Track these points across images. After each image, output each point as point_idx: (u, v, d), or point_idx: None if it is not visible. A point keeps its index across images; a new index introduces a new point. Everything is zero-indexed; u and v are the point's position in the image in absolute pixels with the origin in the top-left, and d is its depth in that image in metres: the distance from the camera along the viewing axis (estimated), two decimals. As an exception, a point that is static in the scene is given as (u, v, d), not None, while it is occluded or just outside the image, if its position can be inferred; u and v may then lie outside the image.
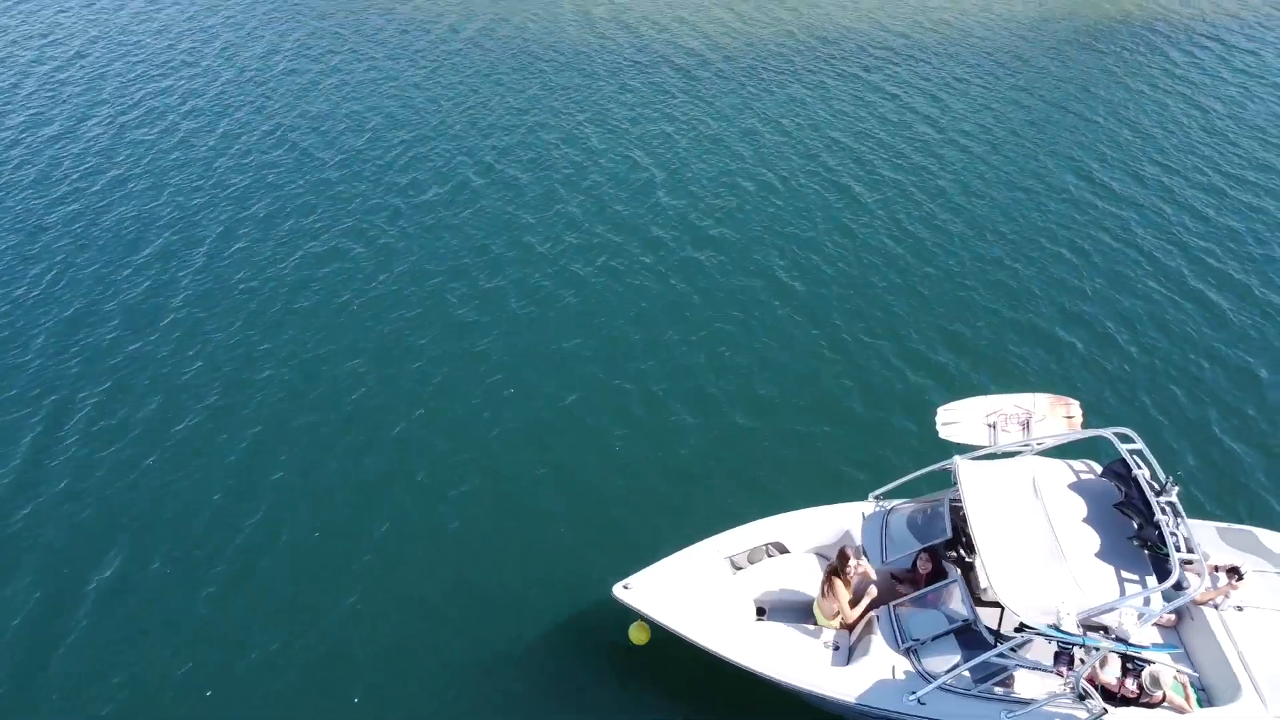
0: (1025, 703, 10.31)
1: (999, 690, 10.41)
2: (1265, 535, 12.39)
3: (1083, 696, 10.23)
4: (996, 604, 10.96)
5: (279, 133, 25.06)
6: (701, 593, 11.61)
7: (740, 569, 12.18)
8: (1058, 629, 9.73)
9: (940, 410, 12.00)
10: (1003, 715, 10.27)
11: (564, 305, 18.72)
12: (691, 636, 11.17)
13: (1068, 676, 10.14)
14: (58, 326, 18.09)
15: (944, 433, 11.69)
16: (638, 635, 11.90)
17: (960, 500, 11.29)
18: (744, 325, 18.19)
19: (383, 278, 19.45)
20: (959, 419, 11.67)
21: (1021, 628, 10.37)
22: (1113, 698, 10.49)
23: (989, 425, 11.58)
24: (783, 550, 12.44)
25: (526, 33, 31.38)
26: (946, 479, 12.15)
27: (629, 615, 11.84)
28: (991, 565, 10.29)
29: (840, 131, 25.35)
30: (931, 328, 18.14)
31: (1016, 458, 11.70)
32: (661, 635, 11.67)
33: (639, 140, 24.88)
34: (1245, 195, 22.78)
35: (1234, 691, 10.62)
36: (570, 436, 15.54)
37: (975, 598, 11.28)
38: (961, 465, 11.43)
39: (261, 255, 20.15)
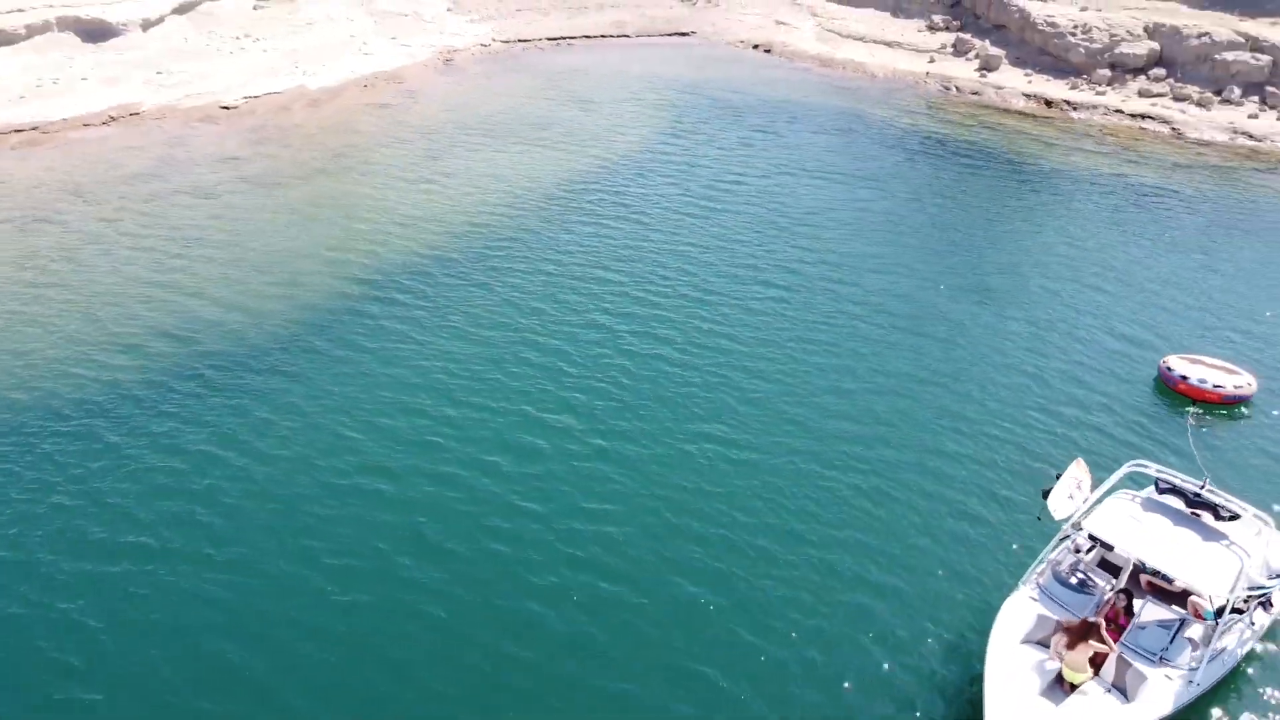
0: (1227, 650, 14.29)
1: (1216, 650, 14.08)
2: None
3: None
4: (1181, 601, 14.72)
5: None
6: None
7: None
8: (1261, 588, 14.06)
9: (1049, 500, 15.04)
10: (1229, 660, 14.28)
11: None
12: None
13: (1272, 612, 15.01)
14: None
15: (1054, 514, 14.86)
16: None
17: (1087, 547, 15.63)
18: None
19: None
20: (1056, 503, 14.95)
21: (1220, 611, 13.86)
22: None
23: (1069, 496, 15.04)
24: None
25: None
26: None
27: None
28: (1179, 573, 14.24)
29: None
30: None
31: (1105, 501, 15.67)
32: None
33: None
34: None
35: None
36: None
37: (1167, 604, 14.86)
38: (1089, 523, 15.12)
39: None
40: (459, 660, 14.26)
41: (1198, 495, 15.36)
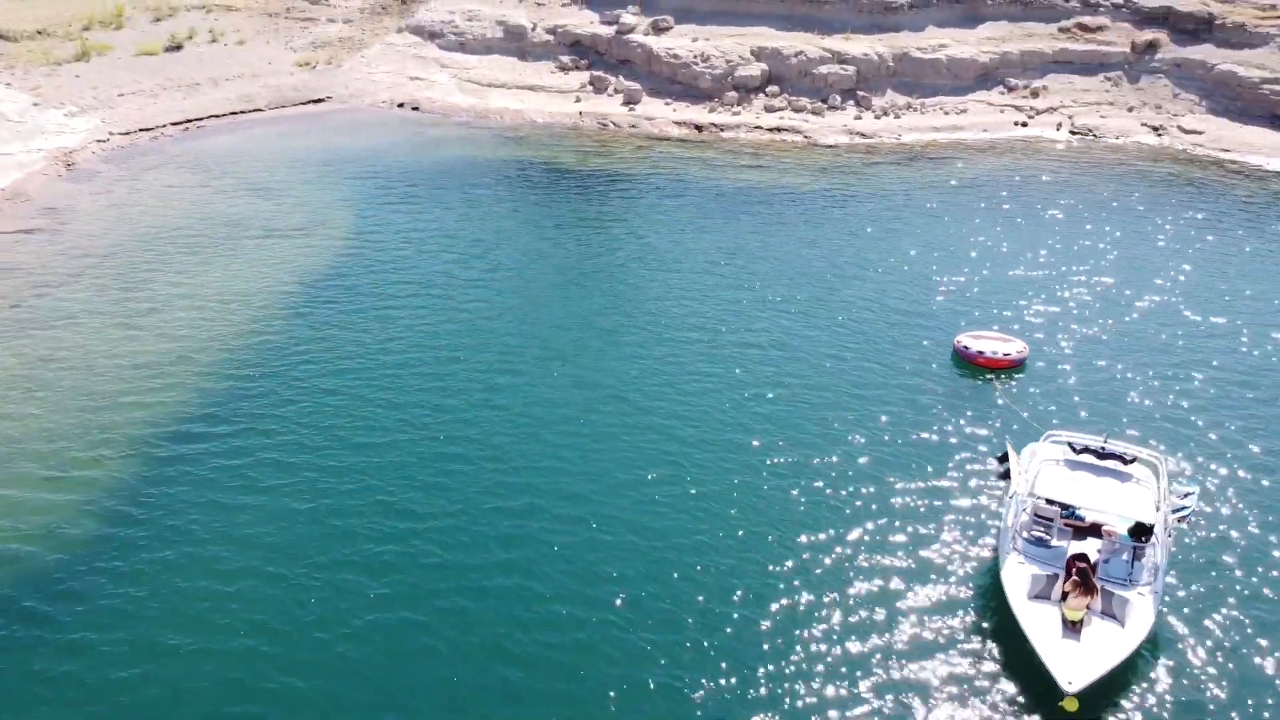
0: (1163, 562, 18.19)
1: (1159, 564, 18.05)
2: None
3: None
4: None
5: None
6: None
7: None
8: (1183, 507, 18.66)
9: (1011, 482, 19.34)
10: (1165, 568, 18.25)
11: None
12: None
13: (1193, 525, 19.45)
14: None
15: (1018, 490, 18.98)
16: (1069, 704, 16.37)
17: (1043, 509, 18.85)
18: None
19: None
20: (1017, 483, 19.09)
21: (1146, 531, 17.98)
22: None
23: (1020, 474, 19.39)
24: None
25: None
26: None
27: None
28: (1116, 511, 18.32)
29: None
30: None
31: (1041, 470, 19.58)
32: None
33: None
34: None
35: None
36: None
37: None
38: (1040, 490, 18.82)
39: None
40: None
41: (1104, 449, 19.42)
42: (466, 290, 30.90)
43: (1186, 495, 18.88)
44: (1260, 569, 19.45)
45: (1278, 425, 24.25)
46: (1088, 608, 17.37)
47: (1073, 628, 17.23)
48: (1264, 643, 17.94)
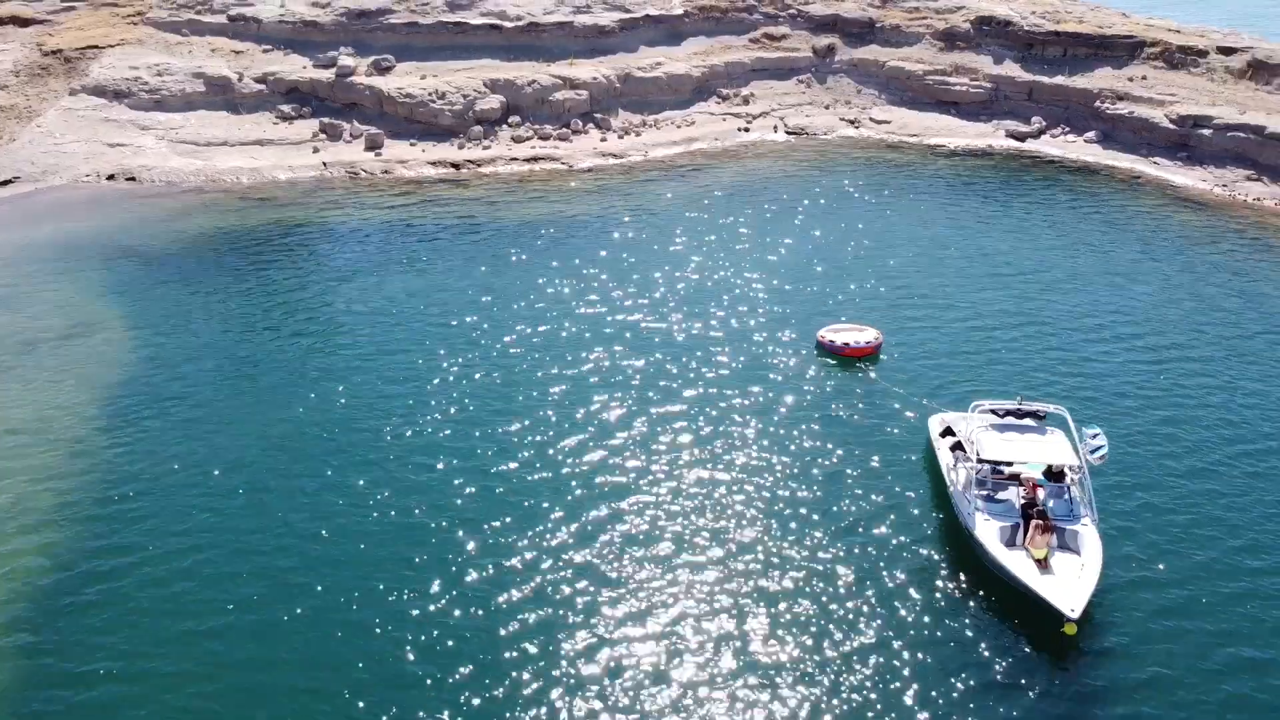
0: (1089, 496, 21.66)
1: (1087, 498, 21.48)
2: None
3: None
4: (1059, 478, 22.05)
5: None
6: None
7: None
8: (1100, 446, 21.89)
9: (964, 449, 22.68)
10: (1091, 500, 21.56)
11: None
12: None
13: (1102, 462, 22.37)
14: None
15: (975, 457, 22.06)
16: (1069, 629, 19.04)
17: (988, 470, 22.03)
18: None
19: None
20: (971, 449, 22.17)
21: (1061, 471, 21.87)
22: None
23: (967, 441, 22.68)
24: None
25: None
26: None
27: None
28: (1044, 461, 21.80)
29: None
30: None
31: (978, 436, 22.58)
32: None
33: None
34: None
35: None
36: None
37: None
38: (983, 454, 21.98)
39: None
40: None
41: (1020, 409, 22.56)
42: (300, 371, 28.75)
43: (1095, 435, 22.52)
44: (1159, 487, 23.73)
45: (1089, 363, 29.34)
46: (1049, 545, 20.34)
47: (1043, 565, 20.09)
48: (1189, 544, 22.01)
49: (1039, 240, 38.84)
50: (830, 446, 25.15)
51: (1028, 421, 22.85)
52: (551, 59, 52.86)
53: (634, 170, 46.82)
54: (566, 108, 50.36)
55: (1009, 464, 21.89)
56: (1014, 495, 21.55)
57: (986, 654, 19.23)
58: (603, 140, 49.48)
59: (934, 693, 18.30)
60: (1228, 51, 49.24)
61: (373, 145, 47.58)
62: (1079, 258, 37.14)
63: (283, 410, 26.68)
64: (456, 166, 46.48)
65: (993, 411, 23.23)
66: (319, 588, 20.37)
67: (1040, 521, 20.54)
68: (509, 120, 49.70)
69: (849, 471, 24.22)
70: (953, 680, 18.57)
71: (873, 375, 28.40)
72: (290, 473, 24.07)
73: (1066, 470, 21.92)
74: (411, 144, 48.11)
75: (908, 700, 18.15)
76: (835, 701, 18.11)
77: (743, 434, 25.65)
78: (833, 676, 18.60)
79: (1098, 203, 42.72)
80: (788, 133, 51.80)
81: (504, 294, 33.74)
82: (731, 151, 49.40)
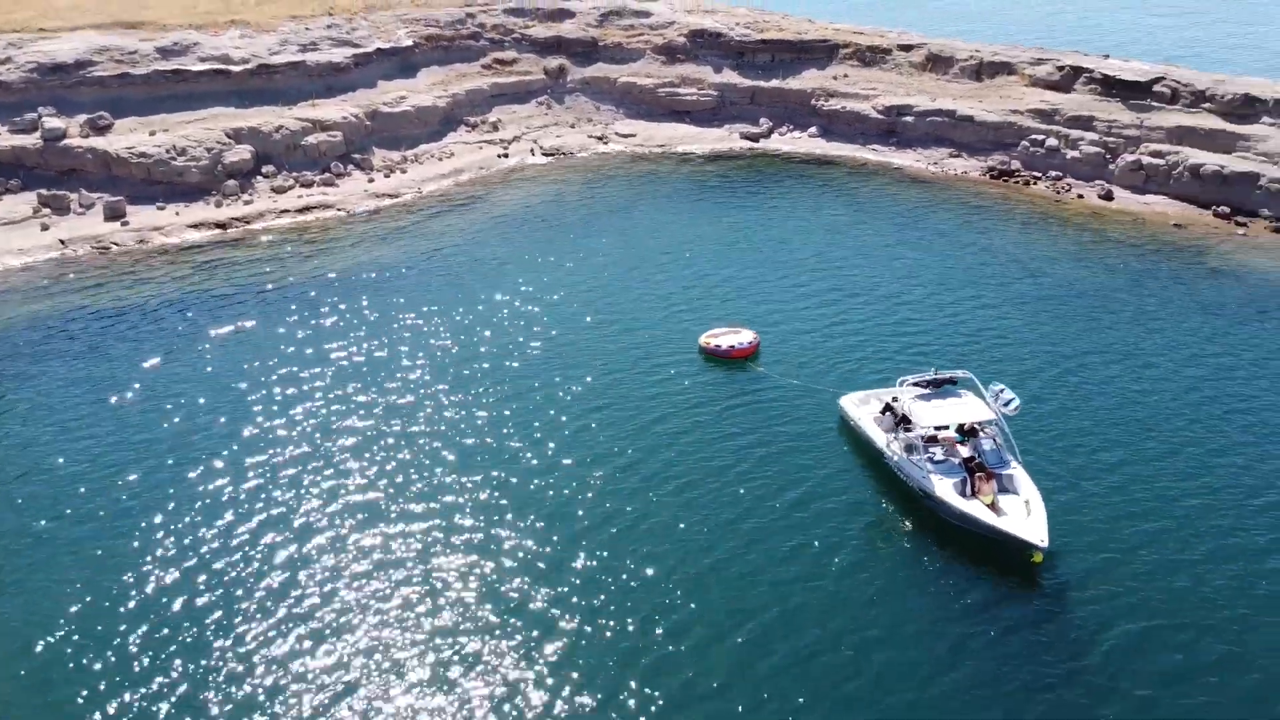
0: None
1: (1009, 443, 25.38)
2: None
3: None
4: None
5: None
6: None
7: None
8: (1011, 399, 25.30)
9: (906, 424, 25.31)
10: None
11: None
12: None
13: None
14: None
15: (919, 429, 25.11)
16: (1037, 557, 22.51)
17: (927, 436, 25.32)
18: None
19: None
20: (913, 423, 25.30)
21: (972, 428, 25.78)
22: None
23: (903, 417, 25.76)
24: None
25: None
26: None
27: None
28: (967, 420, 25.33)
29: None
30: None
31: (911, 407, 25.69)
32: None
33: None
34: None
35: None
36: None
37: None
38: (920, 423, 25.18)
39: None
40: None
41: (937, 379, 25.61)
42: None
43: (1001, 390, 26.04)
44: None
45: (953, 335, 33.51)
46: (993, 491, 23.60)
47: (994, 508, 23.29)
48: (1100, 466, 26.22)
49: (816, 225, 43.23)
50: (750, 440, 27.05)
51: (946, 388, 25.98)
52: (290, 101, 49.91)
53: (414, 207, 45.69)
54: (322, 151, 47.89)
55: (946, 428, 24.92)
56: (950, 455, 24.57)
57: (964, 587, 22.21)
58: (370, 181, 47.71)
59: (933, 626, 21.07)
60: (907, 48, 57.19)
61: (114, 214, 42.38)
62: (863, 237, 41.95)
63: None
64: (223, 226, 42.71)
65: (916, 384, 26.13)
66: None
67: (981, 473, 23.71)
68: (263, 170, 46.37)
69: (776, 456, 26.37)
70: (941, 615, 21.53)
71: (761, 369, 30.61)
72: None
73: (977, 426, 25.31)
74: (159, 207, 43.45)
75: (909, 630, 20.84)
76: (842, 644, 20.00)
77: (655, 443, 26.78)
78: (831, 632, 20.51)
79: (841, 188, 48.21)
80: (544, 154, 52.82)
81: (319, 357, 32.02)
82: (498, 178, 49.62)
